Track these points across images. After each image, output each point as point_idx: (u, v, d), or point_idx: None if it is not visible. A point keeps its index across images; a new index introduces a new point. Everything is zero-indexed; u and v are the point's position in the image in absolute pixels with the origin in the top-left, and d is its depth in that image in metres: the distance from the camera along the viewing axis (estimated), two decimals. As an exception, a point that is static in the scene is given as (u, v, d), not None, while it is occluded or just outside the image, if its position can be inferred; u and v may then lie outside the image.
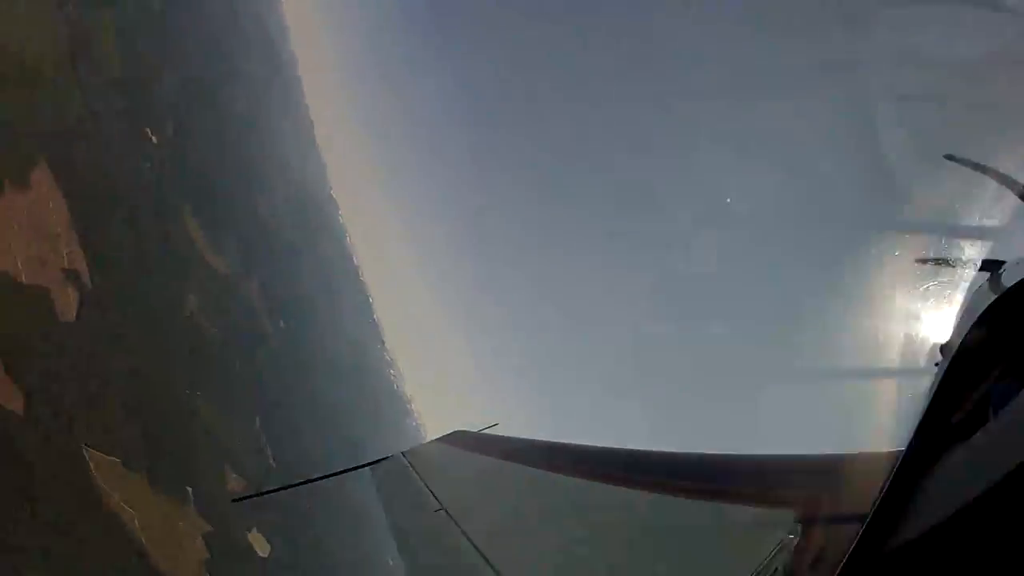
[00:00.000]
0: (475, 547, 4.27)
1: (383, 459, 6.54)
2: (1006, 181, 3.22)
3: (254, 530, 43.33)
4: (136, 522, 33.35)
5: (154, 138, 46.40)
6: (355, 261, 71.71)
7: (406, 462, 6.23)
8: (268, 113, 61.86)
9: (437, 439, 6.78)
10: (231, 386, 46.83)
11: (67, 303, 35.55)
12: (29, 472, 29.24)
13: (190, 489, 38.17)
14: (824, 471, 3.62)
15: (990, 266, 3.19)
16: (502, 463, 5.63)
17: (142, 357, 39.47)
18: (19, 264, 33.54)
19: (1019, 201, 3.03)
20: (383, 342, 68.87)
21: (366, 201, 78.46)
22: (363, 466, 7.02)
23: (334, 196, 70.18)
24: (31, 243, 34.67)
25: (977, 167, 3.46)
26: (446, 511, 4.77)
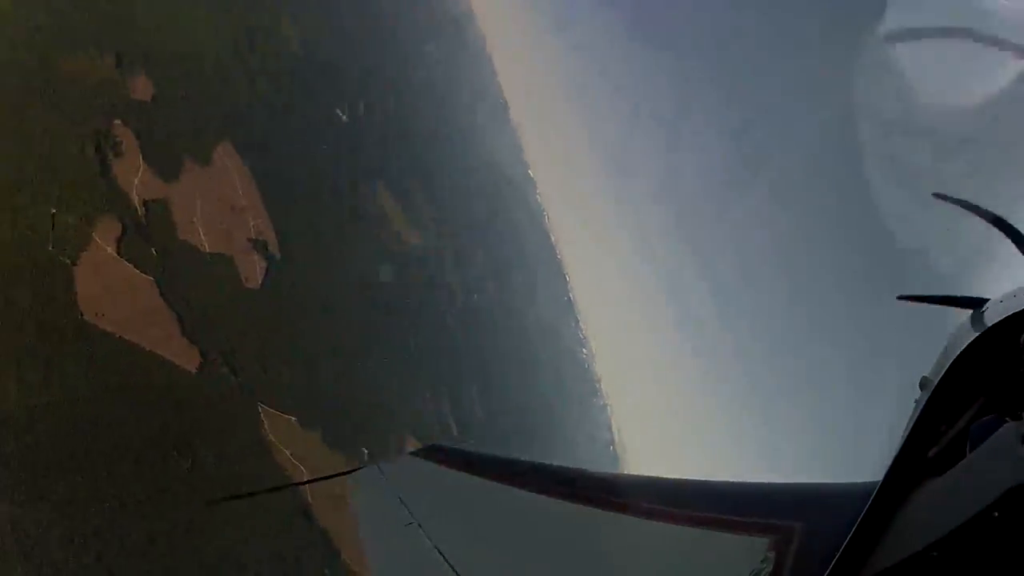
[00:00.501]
0: (447, 562, 4.11)
1: (357, 468, 6.12)
2: (993, 220, 3.10)
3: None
4: (304, 476, 32.20)
5: (344, 117, 44.82)
6: (552, 239, 66.83)
7: (380, 473, 5.71)
8: (459, 91, 59.02)
9: (412, 452, 6.24)
10: (420, 354, 44.84)
11: (252, 271, 35.32)
12: (196, 427, 29.04)
13: (365, 450, 36.23)
14: (800, 501, 3.53)
15: (972, 303, 3.02)
16: (477, 480, 4.98)
17: (328, 323, 38.59)
18: (202, 235, 33.55)
19: (1005, 239, 2.90)
20: (577, 320, 63.60)
21: (565, 181, 71.49)
22: (338, 475, 6.88)
23: (531, 175, 65.82)
24: (215, 215, 34.46)
25: (965, 205, 3.25)
26: (418, 524, 4.52)
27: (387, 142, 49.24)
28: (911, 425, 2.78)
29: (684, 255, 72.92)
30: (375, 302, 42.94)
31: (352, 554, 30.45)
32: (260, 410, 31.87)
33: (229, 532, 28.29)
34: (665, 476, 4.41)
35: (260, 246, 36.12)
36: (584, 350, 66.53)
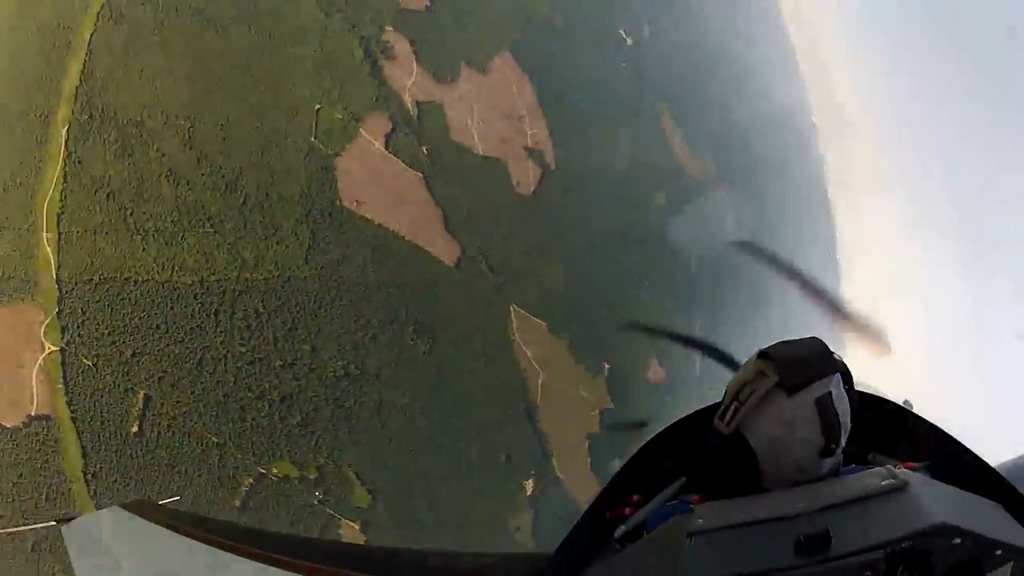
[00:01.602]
0: None
1: (72, 518, 4.81)
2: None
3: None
4: (540, 379, 28.28)
5: (629, 39, 37.96)
6: (828, 194, 54.00)
7: (93, 523, 4.90)
8: (749, 29, 49.32)
9: (122, 505, 4.70)
10: (681, 287, 37.70)
11: (525, 178, 30.37)
12: (442, 316, 26.00)
13: (607, 365, 30.94)
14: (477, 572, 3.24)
15: (726, 361, 2.89)
16: (189, 541, 3.82)
17: (593, 236, 32.67)
18: (476, 138, 29.29)
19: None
20: (839, 279, 50.28)
21: (848, 136, 56.61)
22: (52, 523, 6.97)
23: (815, 123, 53.72)
24: (492, 121, 30.00)
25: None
26: None
27: (671, 68, 42.07)
28: (597, 494, 2.46)
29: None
30: (644, 224, 36.19)
31: (562, 462, 28.21)
32: (512, 310, 27.92)
33: (457, 415, 25.50)
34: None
35: (536, 155, 31.12)
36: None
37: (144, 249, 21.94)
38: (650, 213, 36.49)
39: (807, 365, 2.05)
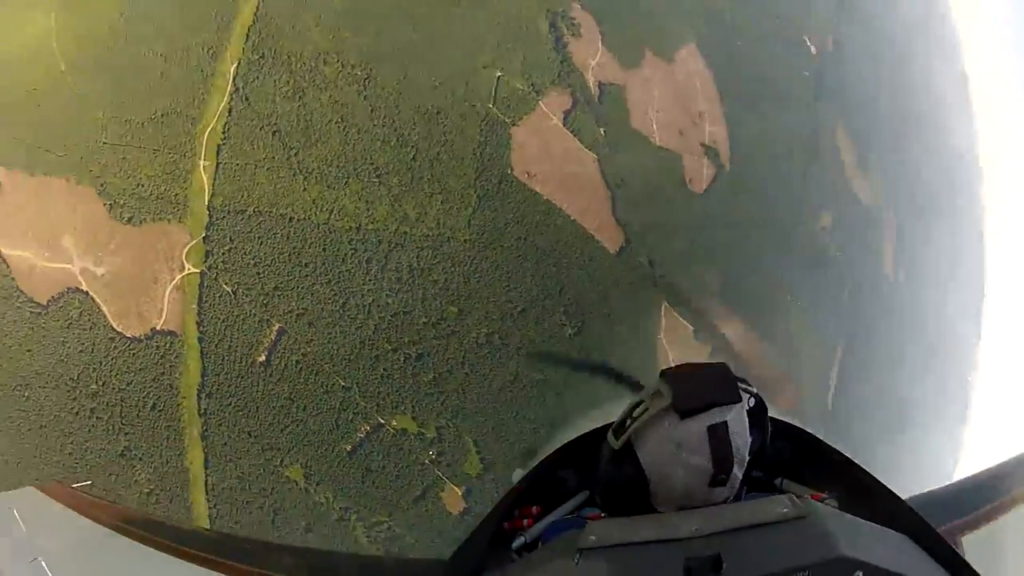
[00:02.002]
0: None
1: None
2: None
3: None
4: None
5: (813, 48, 33.84)
6: (984, 242, 48.02)
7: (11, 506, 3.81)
8: (927, 53, 44.23)
9: (37, 486, 4.00)
10: (827, 313, 32.84)
11: (698, 175, 27.13)
12: (595, 302, 23.68)
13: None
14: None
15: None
16: (91, 524, 3.39)
17: (755, 246, 29.16)
18: (655, 127, 26.39)
19: None
20: (979, 336, 44.99)
21: (1014, 185, 49.01)
22: None
23: (981, 167, 47.82)
24: (671, 112, 27.02)
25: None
26: (42, 562, 3.27)
27: (851, 83, 37.24)
28: (496, 504, 2.44)
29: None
30: (805, 242, 31.94)
31: None
32: (663, 308, 25.09)
33: (588, 403, 22.79)
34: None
35: (712, 153, 27.80)
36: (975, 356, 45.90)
37: (305, 189, 21.03)
38: (814, 232, 32.17)
39: (704, 391, 1.97)
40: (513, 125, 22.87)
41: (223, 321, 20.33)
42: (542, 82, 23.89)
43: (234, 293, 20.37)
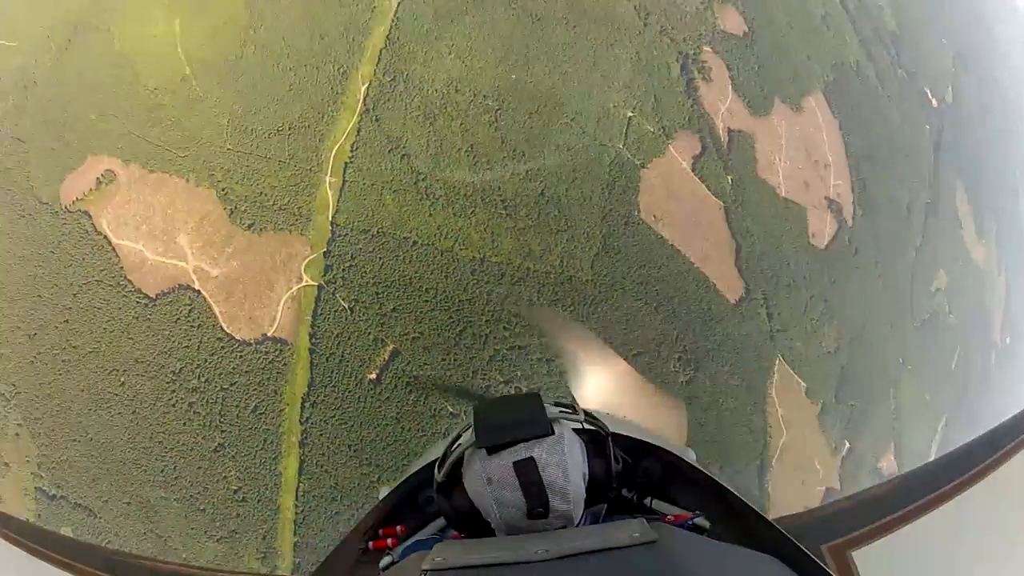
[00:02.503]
0: None
1: None
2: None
3: None
4: (782, 440, 23.95)
5: (934, 101, 32.58)
6: None
7: None
8: None
9: None
10: (936, 381, 31.56)
11: (821, 229, 25.96)
12: (711, 351, 22.66)
13: (847, 444, 26.25)
14: None
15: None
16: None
17: (872, 306, 27.78)
18: (781, 178, 25.28)
19: None
20: None
21: None
22: None
23: None
24: (797, 163, 25.94)
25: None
26: None
27: (970, 138, 36.01)
28: (359, 522, 2.46)
29: None
30: (921, 305, 30.75)
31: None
32: (777, 362, 23.87)
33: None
34: None
35: (835, 207, 26.51)
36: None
37: (431, 215, 20.75)
38: (929, 293, 30.91)
39: (505, 427, 1.98)
40: (643, 167, 22.13)
41: (337, 336, 20.07)
42: (672, 125, 23.14)
43: (351, 310, 20.12)
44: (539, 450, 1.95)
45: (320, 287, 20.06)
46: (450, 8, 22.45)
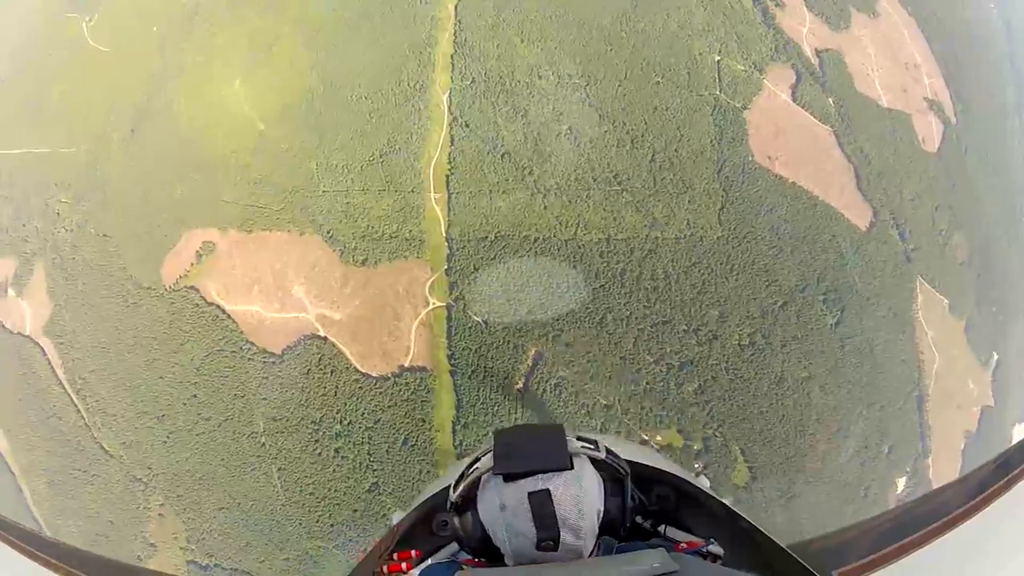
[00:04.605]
0: None
1: None
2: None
3: None
4: (935, 365, 21.34)
5: None
6: None
7: None
8: None
9: None
10: None
11: (929, 133, 23.28)
12: (853, 287, 20.55)
13: (996, 356, 23.12)
14: None
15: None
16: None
17: (995, 203, 24.71)
18: (879, 89, 23.04)
19: None
20: None
21: None
22: None
23: None
24: (890, 70, 23.52)
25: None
26: None
27: None
28: (374, 546, 2.41)
29: None
30: None
31: (937, 466, 21.28)
32: (917, 283, 21.47)
33: (853, 396, 20.08)
34: None
35: (936, 107, 23.83)
36: None
37: (546, 207, 19.11)
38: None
39: (526, 458, 1.90)
40: (744, 109, 20.12)
41: (475, 352, 18.73)
42: (761, 60, 20.96)
43: (485, 322, 18.81)
44: (555, 483, 1.88)
45: (449, 306, 18.74)
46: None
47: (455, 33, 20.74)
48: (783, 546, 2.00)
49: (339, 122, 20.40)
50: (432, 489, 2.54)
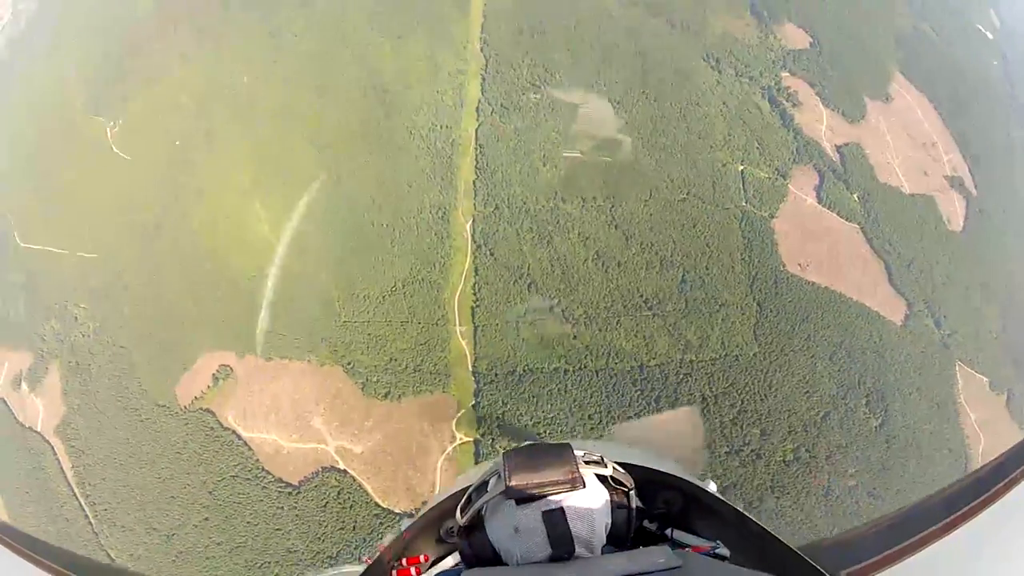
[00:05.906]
0: None
1: None
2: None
3: None
4: (980, 447, 20.34)
5: (988, 34, 29.47)
6: None
7: None
8: None
9: None
10: None
11: (953, 211, 22.56)
12: (892, 382, 19.52)
13: None
14: None
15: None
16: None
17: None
18: (900, 175, 22.32)
19: None
20: None
21: None
22: None
23: None
24: (908, 153, 22.84)
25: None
26: None
27: None
28: (383, 549, 2.34)
29: None
30: None
31: None
32: (956, 368, 20.48)
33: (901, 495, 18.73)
34: None
35: (956, 183, 23.06)
36: None
37: (575, 337, 18.37)
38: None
39: (538, 480, 1.87)
40: (772, 218, 19.41)
41: (504, 489, 18.11)
42: (784, 164, 20.32)
43: (513, 457, 18.16)
44: (568, 503, 1.86)
45: (476, 441, 17.72)
46: (528, 120, 20.43)
47: (476, 158, 20.14)
48: (792, 547, 1.96)
49: (359, 249, 19.49)
50: (439, 497, 2.45)
